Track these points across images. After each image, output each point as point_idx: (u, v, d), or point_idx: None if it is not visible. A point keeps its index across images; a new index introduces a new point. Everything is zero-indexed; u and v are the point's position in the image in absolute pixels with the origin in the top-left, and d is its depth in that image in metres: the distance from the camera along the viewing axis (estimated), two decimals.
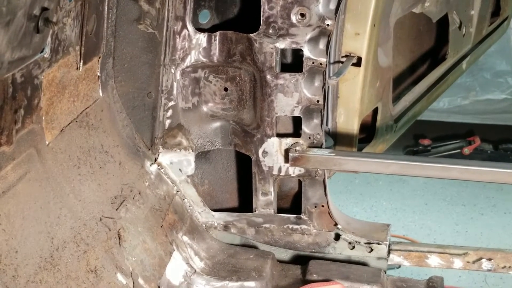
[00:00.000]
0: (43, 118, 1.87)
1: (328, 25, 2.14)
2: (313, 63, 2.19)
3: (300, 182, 2.36)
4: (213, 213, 2.42)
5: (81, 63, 2.01)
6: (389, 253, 2.38)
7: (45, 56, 1.79)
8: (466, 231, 4.26)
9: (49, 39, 1.77)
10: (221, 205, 2.50)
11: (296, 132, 2.30)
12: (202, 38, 2.25)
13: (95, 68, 2.13)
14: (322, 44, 2.18)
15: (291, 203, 2.45)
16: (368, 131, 2.90)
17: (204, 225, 2.42)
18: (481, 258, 2.35)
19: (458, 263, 2.37)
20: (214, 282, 2.22)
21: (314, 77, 2.21)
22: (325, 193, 2.33)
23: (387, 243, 2.37)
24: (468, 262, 2.36)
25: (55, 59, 1.85)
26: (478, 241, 4.07)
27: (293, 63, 2.30)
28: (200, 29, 2.27)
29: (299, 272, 2.35)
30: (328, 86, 2.37)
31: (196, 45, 2.25)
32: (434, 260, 2.38)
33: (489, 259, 2.35)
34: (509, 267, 2.34)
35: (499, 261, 2.34)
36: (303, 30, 2.15)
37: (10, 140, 1.72)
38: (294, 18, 2.15)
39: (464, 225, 4.33)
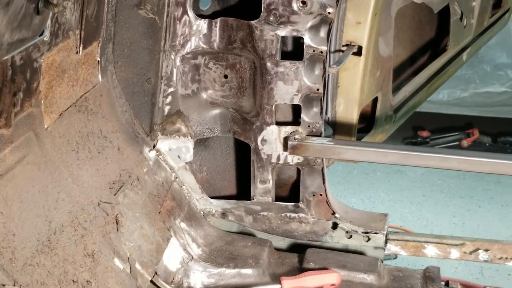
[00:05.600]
0: (42, 101, 1.86)
1: (329, 13, 2.14)
2: (313, 51, 2.18)
3: (298, 171, 2.36)
4: (211, 200, 2.42)
5: (81, 48, 2.01)
6: (386, 242, 2.38)
7: (44, 39, 1.78)
8: (463, 223, 4.27)
9: (49, 22, 1.76)
10: (219, 193, 2.50)
11: (296, 120, 2.29)
12: (203, 24, 2.24)
13: (94, 53, 2.12)
14: (323, 32, 2.17)
15: (289, 192, 2.45)
16: (368, 120, 2.90)
17: (202, 212, 2.42)
18: (478, 249, 2.35)
19: (455, 253, 2.38)
20: (211, 269, 2.22)
21: (314, 65, 2.21)
22: (324, 182, 2.33)
23: (385, 232, 2.37)
24: (465, 252, 2.37)
25: (54, 42, 1.85)
26: (475, 233, 4.09)
27: (294, 51, 2.29)
28: (200, 15, 2.26)
29: (296, 260, 2.35)
30: (328, 75, 2.37)
31: (196, 32, 2.24)
32: (431, 250, 2.39)
33: (486, 250, 2.35)
34: (506, 258, 2.34)
35: (496, 252, 2.35)
36: (304, 17, 2.15)
37: (9, 123, 1.71)
38: (295, 6, 2.14)
39: (461, 217, 4.34)
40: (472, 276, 3.71)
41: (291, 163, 2.32)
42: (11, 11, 1.48)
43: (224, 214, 2.43)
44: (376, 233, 2.37)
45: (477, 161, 2.12)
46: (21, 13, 1.54)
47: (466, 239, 2.39)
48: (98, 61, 2.15)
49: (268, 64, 2.20)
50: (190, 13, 2.22)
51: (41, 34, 1.75)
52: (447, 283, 2.29)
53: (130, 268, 2.00)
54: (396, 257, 3.46)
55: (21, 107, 1.76)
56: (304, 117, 2.26)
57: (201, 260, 2.24)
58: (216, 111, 2.36)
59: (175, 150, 2.36)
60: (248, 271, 2.22)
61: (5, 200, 1.71)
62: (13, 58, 1.66)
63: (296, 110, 2.28)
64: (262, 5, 2.15)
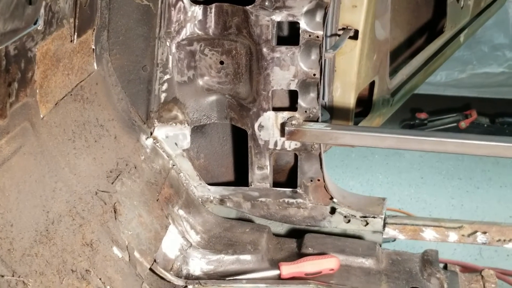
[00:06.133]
0: (37, 91, 1.85)
1: None
2: (309, 36, 2.17)
3: (296, 156, 2.36)
4: (209, 187, 2.42)
5: (75, 36, 1.99)
6: (384, 226, 2.39)
7: (38, 28, 1.77)
8: (462, 205, 4.28)
9: (42, 11, 1.75)
10: (217, 179, 2.50)
11: (292, 106, 2.29)
12: (198, 10, 2.22)
13: (89, 41, 2.11)
14: (319, 17, 2.16)
15: (287, 177, 2.45)
16: (365, 105, 2.89)
17: (200, 199, 2.42)
18: (476, 231, 2.36)
19: (453, 236, 2.38)
20: (210, 256, 2.23)
21: (310, 50, 2.20)
22: (321, 167, 2.33)
23: (383, 216, 2.37)
24: (463, 235, 2.37)
25: (48, 31, 1.83)
26: (473, 215, 4.09)
27: (290, 36, 2.28)
28: (195, 1, 2.25)
29: (295, 245, 2.35)
30: (324, 60, 2.36)
31: (191, 18, 2.23)
32: (429, 234, 2.39)
33: (484, 232, 2.35)
34: (504, 240, 2.35)
35: (494, 234, 2.35)
36: (299, 2, 2.13)
37: (4, 113, 1.71)
38: None
39: (459, 199, 4.35)
40: (471, 257, 3.72)
41: (288, 149, 2.32)
42: (3, 2, 1.47)
43: (222, 201, 2.43)
44: (374, 217, 2.37)
45: (474, 144, 2.12)
46: (13, 3, 1.53)
47: (464, 222, 2.39)
48: (93, 49, 2.14)
49: (264, 49, 2.19)
50: None
51: (35, 23, 1.73)
52: (445, 266, 2.30)
53: (129, 256, 2.00)
54: (394, 241, 3.47)
55: (16, 97, 1.75)
56: (301, 102, 2.25)
57: (199, 247, 2.25)
58: (213, 98, 2.35)
59: (172, 138, 2.35)
60: (246, 257, 2.23)
61: (2, 191, 1.71)
62: (7, 48, 1.65)
63: (293, 95, 2.27)
64: None
